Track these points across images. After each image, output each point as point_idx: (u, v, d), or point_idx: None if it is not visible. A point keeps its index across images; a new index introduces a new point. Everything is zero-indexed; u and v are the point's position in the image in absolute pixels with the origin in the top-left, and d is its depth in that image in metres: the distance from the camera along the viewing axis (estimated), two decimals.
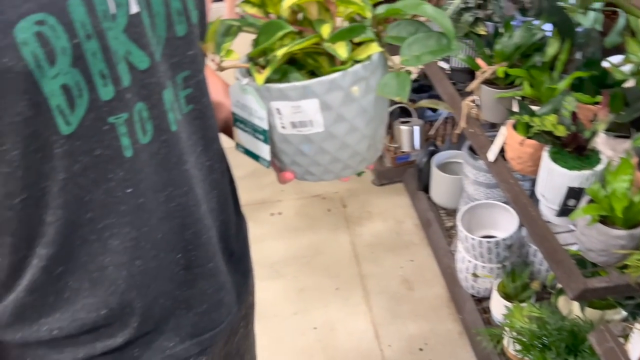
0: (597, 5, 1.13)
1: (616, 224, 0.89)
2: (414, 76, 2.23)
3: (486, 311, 1.61)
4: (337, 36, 0.58)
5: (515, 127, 1.09)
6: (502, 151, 1.17)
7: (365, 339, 1.71)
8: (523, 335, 1.24)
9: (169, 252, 0.60)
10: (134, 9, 0.51)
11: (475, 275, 1.60)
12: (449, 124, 2.24)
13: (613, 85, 1.06)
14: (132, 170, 0.54)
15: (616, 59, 1.08)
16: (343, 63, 0.59)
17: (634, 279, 0.87)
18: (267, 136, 0.63)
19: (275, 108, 0.60)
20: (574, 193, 0.96)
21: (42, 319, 0.57)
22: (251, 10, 0.63)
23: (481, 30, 1.28)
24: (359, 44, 0.60)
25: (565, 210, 0.98)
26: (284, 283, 1.91)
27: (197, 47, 0.59)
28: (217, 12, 2.85)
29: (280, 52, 0.58)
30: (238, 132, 0.68)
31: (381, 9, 0.60)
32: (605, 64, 1.08)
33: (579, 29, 1.16)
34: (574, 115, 1.00)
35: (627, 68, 1.03)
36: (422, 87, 2.20)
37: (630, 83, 1.02)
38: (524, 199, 1.09)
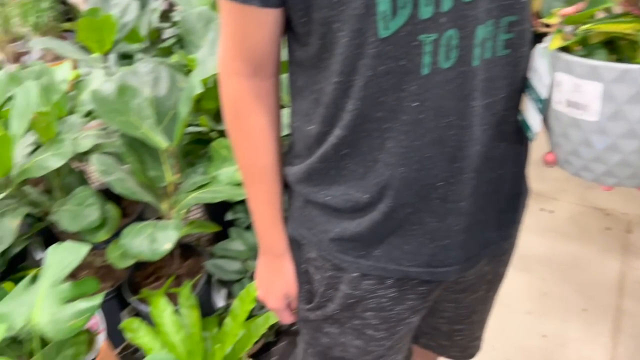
0: None
1: None
2: None
3: None
4: None
5: None
6: None
7: None
8: None
9: (430, 174, 0.64)
10: None
11: None
12: None
13: None
14: (423, 87, 0.59)
15: None
16: None
17: None
18: (544, 106, 0.61)
19: (558, 80, 0.58)
20: None
21: (322, 185, 0.69)
22: None
23: None
24: None
25: None
26: (529, 279, 1.81)
27: None
28: None
29: (593, 27, 0.55)
30: (524, 98, 0.67)
31: None
32: None
33: None
34: None
35: None
36: None
37: None
38: None
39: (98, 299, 1.01)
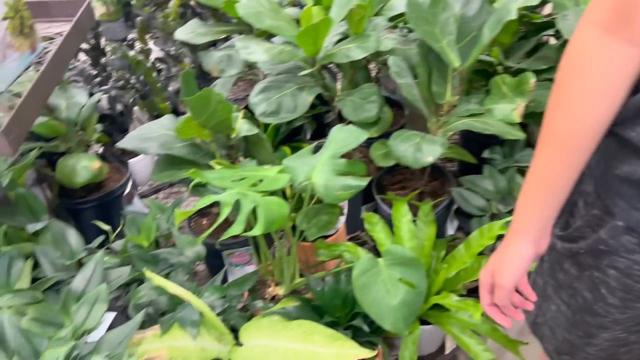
0: None
1: None
2: None
3: None
4: None
5: None
6: None
7: None
8: None
9: None
10: None
11: None
12: None
13: None
14: None
15: None
16: None
17: None
18: None
19: None
20: None
21: (634, 121, 0.61)
22: None
23: None
24: None
25: None
26: None
27: None
28: None
29: None
30: None
31: None
32: None
33: None
34: None
35: None
36: None
37: None
38: None
39: (365, 181, 1.12)
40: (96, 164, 1.57)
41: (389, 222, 1.41)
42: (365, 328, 1.11)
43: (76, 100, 1.66)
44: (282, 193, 1.32)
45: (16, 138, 0.85)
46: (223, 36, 1.65)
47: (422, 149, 1.28)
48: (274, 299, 1.40)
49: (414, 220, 1.41)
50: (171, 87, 2.03)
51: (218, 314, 1.14)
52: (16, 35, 1.11)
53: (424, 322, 1.30)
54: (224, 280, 1.53)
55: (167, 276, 1.22)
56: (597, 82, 0.59)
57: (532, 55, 1.55)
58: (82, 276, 1.10)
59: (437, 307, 1.27)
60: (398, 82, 1.31)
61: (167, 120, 1.46)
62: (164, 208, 1.49)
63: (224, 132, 1.37)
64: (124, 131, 1.94)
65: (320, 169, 1.12)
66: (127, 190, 1.70)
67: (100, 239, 1.26)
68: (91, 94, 1.76)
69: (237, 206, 1.05)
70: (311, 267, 1.45)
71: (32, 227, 1.21)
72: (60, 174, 1.55)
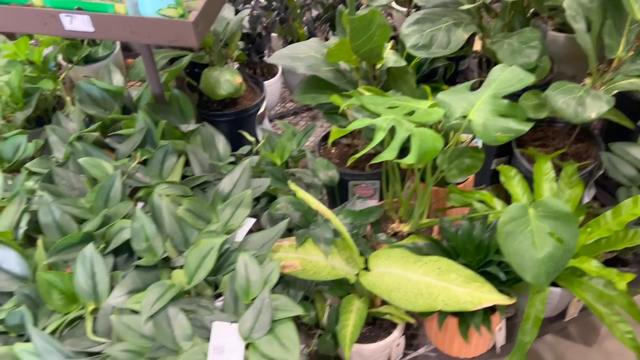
0: None
1: None
2: None
3: None
4: None
5: None
6: None
7: None
8: None
9: None
10: None
11: None
12: None
13: None
14: None
15: None
16: None
17: None
18: None
19: None
20: None
21: None
22: None
23: None
24: None
25: None
26: None
27: None
28: None
29: None
30: None
31: None
32: None
33: None
34: None
35: None
36: None
37: None
38: None
39: (528, 125, 1.05)
40: (238, 78, 1.61)
41: (526, 178, 1.35)
42: (502, 276, 1.07)
43: (224, 14, 1.69)
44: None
45: (202, 31, 0.87)
46: None
47: (585, 104, 1.19)
48: (396, 235, 1.39)
49: (556, 179, 1.33)
50: (308, 15, 2.02)
51: None
52: None
53: (552, 283, 1.24)
54: None
55: None
56: None
57: None
58: (229, 179, 1.14)
59: (571, 271, 1.21)
60: (574, 27, 1.21)
61: (314, 42, 1.46)
62: (295, 132, 1.51)
63: (373, 60, 1.34)
64: (260, 53, 1.96)
65: (480, 107, 1.07)
66: (261, 110, 1.73)
67: (247, 148, 1.29)
68: (236, 11, 1.78)
69: (391, 132, 1.04)
70: (437, 211, 1.42)
71: (185, 128, 1.26)
72: (204, 84, 1.60)
